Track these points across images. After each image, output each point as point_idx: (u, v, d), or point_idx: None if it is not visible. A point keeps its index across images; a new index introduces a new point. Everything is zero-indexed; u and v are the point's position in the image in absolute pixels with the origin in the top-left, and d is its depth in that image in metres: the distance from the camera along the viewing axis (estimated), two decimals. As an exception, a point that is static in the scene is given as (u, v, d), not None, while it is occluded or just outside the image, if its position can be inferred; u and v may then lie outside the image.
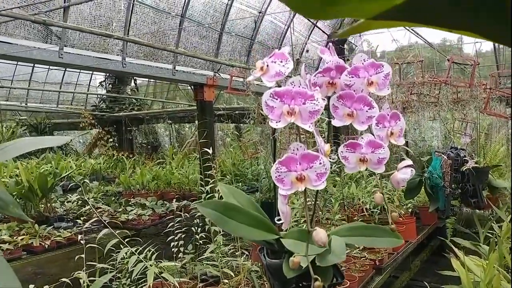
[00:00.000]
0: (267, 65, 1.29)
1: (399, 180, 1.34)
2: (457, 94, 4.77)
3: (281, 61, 1.28)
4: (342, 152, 1.31)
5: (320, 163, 1.17)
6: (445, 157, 4.36)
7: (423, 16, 0.46)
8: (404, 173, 1.33)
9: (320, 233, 1.16)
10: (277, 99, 1.21)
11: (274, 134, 1.45)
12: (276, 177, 1.19)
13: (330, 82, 1.38)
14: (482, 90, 4.23)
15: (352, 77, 1.35)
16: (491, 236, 4.30)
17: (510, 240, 3.92)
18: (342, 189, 5.85)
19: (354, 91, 1.34)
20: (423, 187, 4.62)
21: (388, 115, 1.33)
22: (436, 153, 4.57)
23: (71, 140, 16.46)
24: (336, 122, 1.35)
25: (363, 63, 1.36)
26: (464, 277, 3.11)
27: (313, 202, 1.41)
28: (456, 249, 3.43)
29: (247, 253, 4.10)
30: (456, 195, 4.52)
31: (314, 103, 1.20)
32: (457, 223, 5.92)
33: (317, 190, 1.26)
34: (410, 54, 4.90)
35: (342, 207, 5.66)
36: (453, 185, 4.37)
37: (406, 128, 5.98)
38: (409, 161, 1.33)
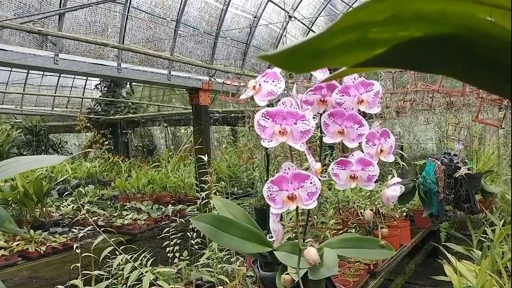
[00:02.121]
0: (260, 84, 1.31)
1: (389, 197, 1.37)
2: (450, 99, 4.80)
3: (273, 81, 1.31)
4: (333, 169, 1.34)
5: (311, 183, 1.19)
6: (438, 162, 4.40)
7: (403, 64, 0.49)
8: (394, 190, 1.35)
9: (310, 252, 1.19)
10: (269, 119, 1.24)
11: (268, 149, 1.47)
12: (267, 195, 1.22)
13: (322, 99, 1.41)
14: (475, 98, 4.26)
15: (343, 95, 1.38)
16: (485, 240, 4.34)
17: (502, 244, 3.96)
18: (337, 193, 5.87)
19: (345, 109, 1.37)
20: (416, 192, 4.65)
21: (378, 132, 1.36)
22: (430, 158, 4.60)
23: (66, 142, 16.44)
24: (327, 139, 1.38)
25: (353, 82, 1.39)
26: (457, 283, 3.14)
27: (306, 217, 1.44)
28: (449, 255, 3.46)
29: (242, 258, 4.12)
30: (449, 201, 4.55)
31: (305, 123, 1.22)
32: (451, 227, 5.95)
33: (309, 210, 1.28)
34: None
35: (337, 210, 5.68)
36: (446, 191, 4.41)
37: (401, 132, 6.01)
38: (398, 179, 1.36)
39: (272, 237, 1.38)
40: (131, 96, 15.72)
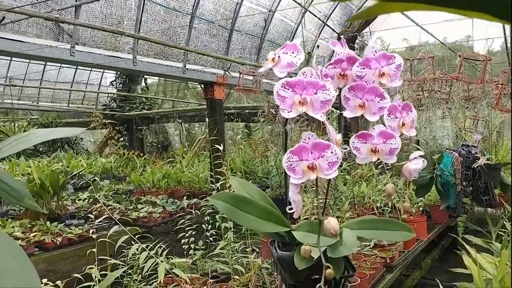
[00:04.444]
0: (279, 56, 1.29)
1: (411, 171, 1.34)
2: (468, 92, 4.73)
3: (293, 52, 1.29)
4: (353, 142, 1.31)
5: (332, 152, 1.17)
6: (456, 154, 4.33)
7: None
8: (416, 164, 1.32)
9: (331, 222, 1.17)
10: (288, 89, 1.22)
11: (286, 126, 1.44)
12: (287, 166, 1.20)
13: (342, 73, 1.38)
14: (494, 87, 4.19)
15: (364, 68, 1.35)
16: (503, 234, 4.27)
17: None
18: (352, 188, 5.83)
19: (366, 82, 1.35)
20: (434, 184, 4.59)
21: (399, 106, 1.33)
22: (447, 150, 4.54)
23: (81, 138, 16.56)
24: (347, 113, 1.35)
25: (374, 55, 1.36)
26: (476, 274, 3.09)
27: (325, 191, 1.42)
28: (467, 246, 3.41)
29: (257, 249, 4.10)
30: (467, 193, 4.48)
31: (326, 93, 1.20)
32: (468, 222, 5.88)
33: (329, 180, 1.26)
34: (421, 52, 4.87)
35: (352, 205, 5.65)
36: (464, 183, 4.34)
37: (417, 127, 5.95)
38: (420, 152, 1.33)
39: (291, 208, 1.36)
40: (146, 92, 15.81)
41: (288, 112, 1.21)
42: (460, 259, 3.40)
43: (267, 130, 6.39)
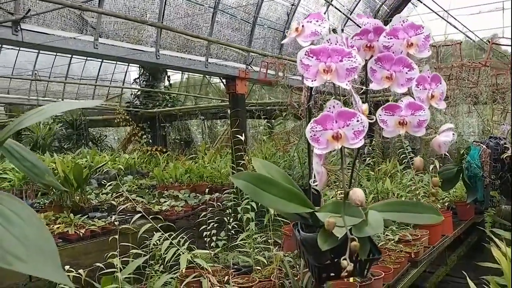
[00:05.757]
0: (302, 25, 1.25)
1: (440, 143, 1.28)
2: (496, 85, 4.60)
3: (317, 21, 1.25)
4: (380, 115, 1.26)
5: (358, 121, 1.12)
6: (484, 146, 4.22)
7: None
8: (446, 136, 1.27)
9: (357, 192, 1.12)
10: (312, 57, 1.17)
11: (309, 102, 1.40)
12: (311, 136, 1.15)
13: (368, 45, 1.33)
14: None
15: (391, 38, 1.30)
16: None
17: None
18: (376, 184, 5.76)
19: (393, 53, 1.29)
20: (460, 177, 4.48)
21: (428, 77, 1.28)
22: (475, 142, 4.43)
23: (105, 136, 16.74)
24: (374, 86, 1.30)
25: (402, 25, 1.31)
26: (506, 267, 3.01)
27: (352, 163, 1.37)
28: (496, 240, 3.32)
29: (279, 242, 4.07)
30: (495, 186, 4.36)
31: (352, 60, 1.16)
32: (496, 217, 5.74)
33: (358, 149, 1.21)
34: (447, 42, 4.77)
35: (376, 201, 5.58)
36: (492, 176, 4.22)
37: (443, 120, 5.83)
38: (450, 124, 1.27)
39: (315, 181, 1.32)
40: (169, 89, 15.92)
41: (312, 81, 1.16)
42: (486, 256, 3.32)
43: (289, 125, 6.36)
